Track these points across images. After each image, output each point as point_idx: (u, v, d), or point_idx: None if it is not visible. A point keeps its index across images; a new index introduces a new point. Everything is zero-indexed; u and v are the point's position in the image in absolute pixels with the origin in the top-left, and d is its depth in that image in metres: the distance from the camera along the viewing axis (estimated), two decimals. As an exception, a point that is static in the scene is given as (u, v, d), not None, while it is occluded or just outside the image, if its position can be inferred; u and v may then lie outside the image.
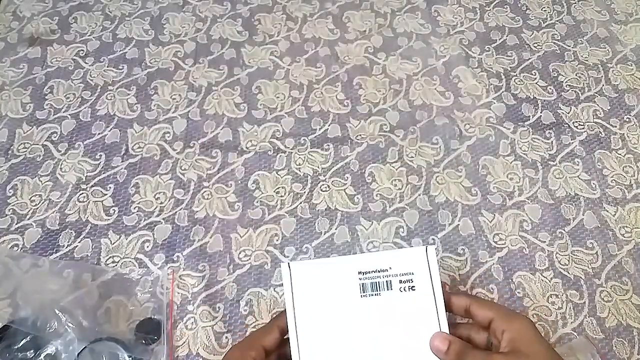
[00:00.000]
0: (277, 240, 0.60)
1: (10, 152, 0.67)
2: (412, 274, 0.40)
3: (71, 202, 0.62)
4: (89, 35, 0.81)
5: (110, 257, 0.58)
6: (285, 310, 0.40)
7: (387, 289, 0.40)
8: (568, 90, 0.75)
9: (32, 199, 0.63)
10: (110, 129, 0.69)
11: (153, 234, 0.60)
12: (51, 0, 0.85)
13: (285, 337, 0.41)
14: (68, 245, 0.59)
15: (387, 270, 0.40)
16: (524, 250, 0.59)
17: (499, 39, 0.82)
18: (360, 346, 0.39)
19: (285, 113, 0.72)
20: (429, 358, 0.39)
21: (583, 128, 0.70)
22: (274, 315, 0.48)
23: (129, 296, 0.55)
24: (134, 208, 0.62)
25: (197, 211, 0.62)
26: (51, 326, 0.50)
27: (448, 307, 0.41)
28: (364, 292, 0.40)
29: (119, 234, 0.60)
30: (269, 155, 0.67)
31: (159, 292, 0.55)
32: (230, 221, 0.61)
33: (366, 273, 0.40)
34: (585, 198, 0.63)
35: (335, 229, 0.61)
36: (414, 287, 0.40)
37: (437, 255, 0.38)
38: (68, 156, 0.66)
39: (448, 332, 0.39)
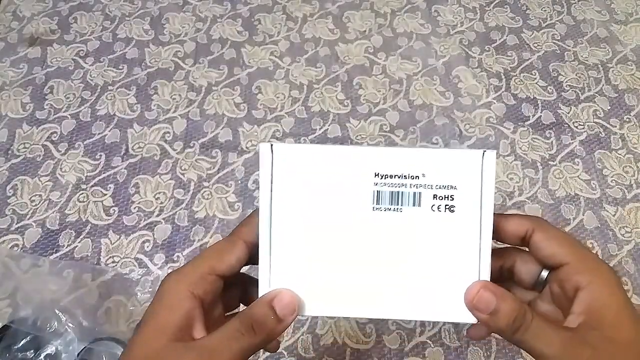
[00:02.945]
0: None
1: (10, 152, 0.67)
2: (455, 187, 0.27)
3: (71, 202, 0.62)
4: (89, 35, 0.81)
5: (110, 257, 0.58)
6: (257, 212, 0.28)
7: (414, 204, 0.27)
8: (568, 90, 0.75)
9: (32, 199, 0.63)
10: (110, 129, 0.69)
11: (153, 234, 0.60)
12: (51, 0, 0.85)
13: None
14: (68, 245, 0.59)
15: (418, 177, 0.27)
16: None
17: (499, 39, 0.82)
18: (360, 278, 0.28)
19: (285, 113, 0.72)
20: (457, 313, 0.27)
21: (583, 128, 0.70)
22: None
23: (129, 296, 0.55)
24: (134, 208, 0.62)
25: (197, 211, 0.62)
26: (51, 326, 0.50)
27: (495, 232, 0.29)
28: (378, 203, 0.27)
29: (119, 234, 0.60)
30: (269, 155, 0.67)
31: (159, 292, 0.55)
32: (230, 221, 0.61)
33: (386, 177, 0.27)
34: (585, 198, 0.63)
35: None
36: (453, 207, 0.27)
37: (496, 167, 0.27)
38: (68, 156, 0.66)
39: (489, 280, 0.28)
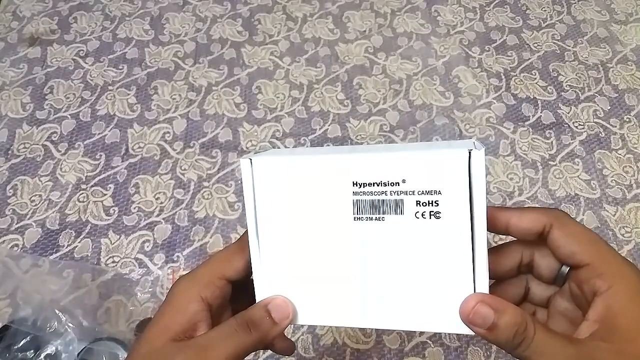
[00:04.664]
0: (277, 240, 0.60)
1: (10, 152, 0.67)
2: (439, 192, 0.25)
3: (71, 202, 0.62)
4: (89, 35, 0.81)
5: (110, 257, 0.58)
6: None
7: (396, 212, 0.26)
8: (568, 90, 0.75)
9: (32, 199, 0.63)
10: (110, 129, 0.69)
11: (153, 234, 0.60)
12: (51, 0, 0.85)
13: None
14: (68, 245, 0.59)
15: (398, 183, 0.26)
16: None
17: (499, 39, 0.82)
18: (350, 288, 0.27)
19: (285, 113, 0.72)
20: (452, 324, 0.26)
21: (583, 128, 0.70)
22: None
23: (129, 296, 0.55)
24: (134, 208, 0.62)
25: (197, 211, 0.62)
26: (51, 326, 0.50)
27: (499, 226, 0.27)
28: (359, 213, 0.26)
29: (119, 234, 0.60)
30: (269, 155, 0.67)
31: (159, 292, 0.55)
32: (230, 221, 0.61)
33: (365, 185, 0.26)
34: (585, 198, 0.63)
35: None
36: (439, 213, 0.26)
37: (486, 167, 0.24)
38: (68, 156, 0.66)
39: (487, 291, 0.25)
